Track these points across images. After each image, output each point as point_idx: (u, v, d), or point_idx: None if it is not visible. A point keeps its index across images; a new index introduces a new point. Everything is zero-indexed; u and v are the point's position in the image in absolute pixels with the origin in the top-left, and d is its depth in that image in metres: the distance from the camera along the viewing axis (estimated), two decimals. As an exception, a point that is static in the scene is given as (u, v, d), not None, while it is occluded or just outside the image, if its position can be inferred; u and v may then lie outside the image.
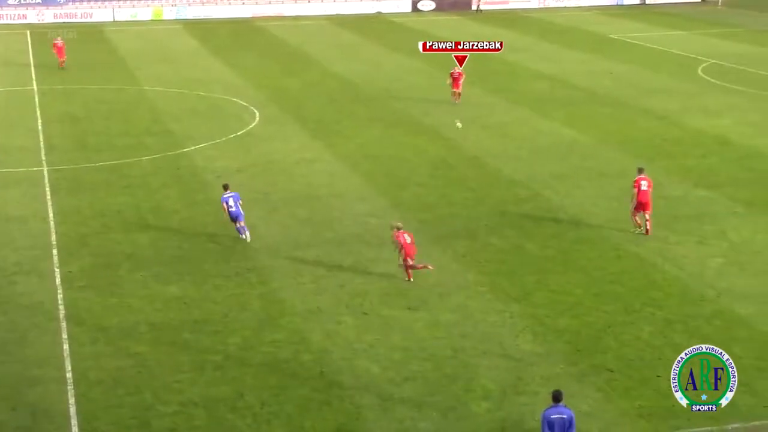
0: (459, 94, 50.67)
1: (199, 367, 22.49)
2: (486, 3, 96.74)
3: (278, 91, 54.88)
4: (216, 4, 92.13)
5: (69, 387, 21.59)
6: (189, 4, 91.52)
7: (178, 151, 41.55)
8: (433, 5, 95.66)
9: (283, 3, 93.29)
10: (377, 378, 22.07)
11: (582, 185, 36.74)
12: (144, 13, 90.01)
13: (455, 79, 50.45)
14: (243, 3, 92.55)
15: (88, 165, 39.47)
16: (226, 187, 31.04)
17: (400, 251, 27.26)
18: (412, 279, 27.34)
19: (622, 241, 30.61)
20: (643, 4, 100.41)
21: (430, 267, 27.69)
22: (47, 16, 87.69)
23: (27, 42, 75.28)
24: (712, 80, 57.92)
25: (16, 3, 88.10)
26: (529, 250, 30.09)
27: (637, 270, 28.36)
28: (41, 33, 79.25)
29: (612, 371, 22.25)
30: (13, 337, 24.06)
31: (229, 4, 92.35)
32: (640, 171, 31.45)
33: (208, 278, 27.74)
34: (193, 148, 42.09)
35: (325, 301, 26.23)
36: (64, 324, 24.78)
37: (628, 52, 69.19)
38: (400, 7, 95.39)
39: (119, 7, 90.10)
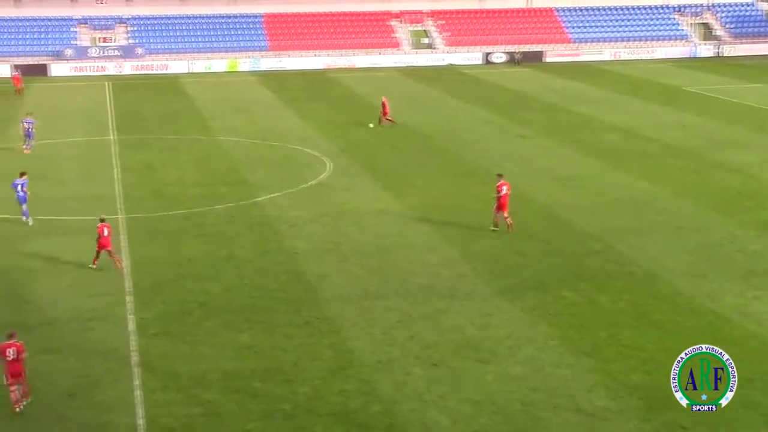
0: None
1: (269, 416, 22.53)
2: (557, 55, 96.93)
3: (350, 142, 55.31)
4: (289, 56, 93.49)
5: (140, 433, 21.81)
6: (263, 56, 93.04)
7: (251, 201, 42.02)
8: (504, 57, 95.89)
9: (355, 55, 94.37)
10: (447, 431, 21.86)
11: (656, 239, 36.26)
12: (219, 65, 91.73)
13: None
14: (315, 55, 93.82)
15: (163, 213, 40.10)
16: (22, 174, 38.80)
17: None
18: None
19: (697, 296, 30.09)
20: (719, 56, 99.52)
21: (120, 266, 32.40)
22: (126, 68, 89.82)
23: (106, 93, 77.08)
24: (789, 133, 57.05)
25: (97, 55, 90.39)
26: (601, 303, 29.72)
27: (712, 325, 27.81)
28: (120, 84, 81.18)
29: (685, 429, 21.73)
30: (86, 383, 24.37)
31: (302, 56, 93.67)
32: (500, 176, 37.16)
33: (278, 327, 27.86)
34: (265, 197, 42.54)
35: (395, 351, 26.15)
36: (136, 370, 25.04)
37: (703, 104, 68.52)
38: (472, 59, 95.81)
39: (195, 59, 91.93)
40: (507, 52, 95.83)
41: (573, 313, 28.87)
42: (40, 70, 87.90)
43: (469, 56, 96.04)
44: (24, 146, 52.77)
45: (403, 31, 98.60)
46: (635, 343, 26.48)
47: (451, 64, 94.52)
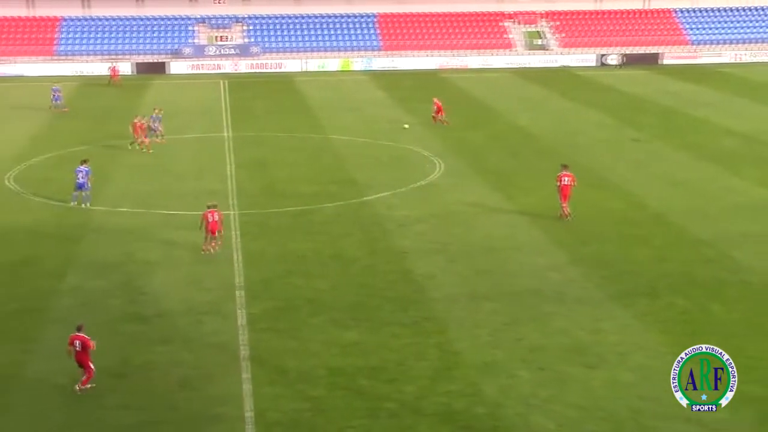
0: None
1: (373, 414, 22.67)
2: (674, 57, 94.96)
3: (461, 143, 55.21)
4: (402, 56, 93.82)
5: (248, 426, 22.14)
6: (376, 56, 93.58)
7: (360, 199, 42.33)
8: (624, 59, 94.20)
9: (467, 55, 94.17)
10: (552, 436, 21.70)
11: (773, 246, 35.28)
12: (332, 64, 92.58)
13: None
14: (428, 55, 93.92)
15: (274, 210, 40.69)
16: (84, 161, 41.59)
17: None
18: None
19: (816, 307, 29.17)
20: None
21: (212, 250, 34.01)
22: (241, 66, 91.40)
23: (221, 90, 78.61)
24: None
25: (213, 54, 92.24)
26: (715, 312, 29.04)
27: (832, 338, 26.93)
28: (236, 82, 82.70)
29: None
30: (198, 374, 24.91)
31: (415, 56, 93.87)
32: (564, 167, 38.79)
33: (385, 326, 28.00)
34: (374, 196, 42.78)
35: (501, 354, 26.03)
36: (245, 364, 25.46)
37: (827, 110, 66.29)
38: (586, 60, 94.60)
39: (309, 58, 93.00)
40: (621, 54, 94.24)
41: (685, 321, 28.28)
42: (159, 67, 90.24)
43: (583, 57, 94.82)
44: (155, 139, 53.78)
45: (516, 32, 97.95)
46: (750, 353, 25.74)
47: (564, 66, 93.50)
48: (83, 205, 40.86)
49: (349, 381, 24.43)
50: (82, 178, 41.14)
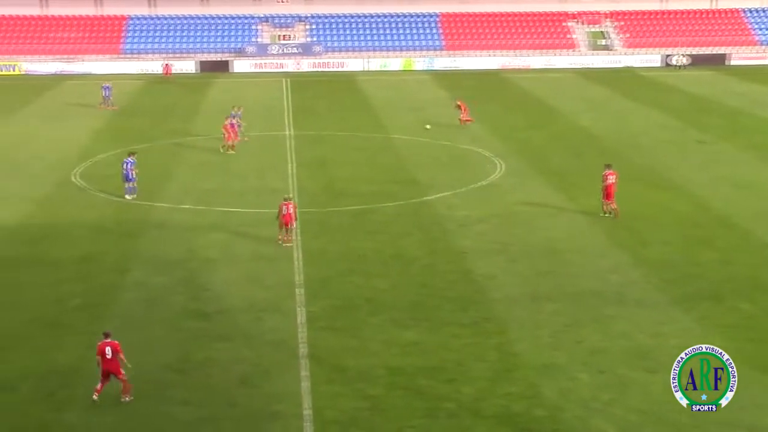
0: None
1: (432, 415, 22.61)
2: (742, 58, 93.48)
3: (522, 143, 54.91)
4: (464, 55, 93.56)
5: (306, 424, 22.22)
6: (437, 56, 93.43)
7: (420, 199, 42.27)
8: (686, 60, 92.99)
9: (530, 55, 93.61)
10: (612, 440, 21.46)
11: (842, 251, 34.54)
12: (394, 64, 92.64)
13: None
14: (490, 55, 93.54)
15: (334, 209, 40.81)
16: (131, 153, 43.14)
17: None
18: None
19: None
20: None
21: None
22: (303, 65, 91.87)
23: (283, 89, 79.07)
24: None
25: (276, 53, 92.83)
26: (781, 317, 28.50)
27: None
28: (298, 81, 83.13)
29: None
30: (257, 371, 25.06)
31: (477, 56, 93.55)
32: (608, 166, 39.41)
33: (444, 326, 27.92)
34: (435, 196, 42.70)
35: (561, 356, 25.82)
36: (304, 362, 25.56)
37: None
38: (650, 61, 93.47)
39: (371, 57, 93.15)
40: (681, 55, 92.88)
41: (749, 327, 27.78)
42: (222, 66, 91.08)
43: (647, 58, 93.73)
44: (240, 140, 54.09)
45: (580, 32, 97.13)
46: (816, 361, 25.30)
47: (628, 66, 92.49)
48: (126, 197, 41.97)
49: (408, 381, 24.40)
50: (127, 169, 42.12)
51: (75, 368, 25.07)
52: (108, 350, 23.26)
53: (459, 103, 61.55)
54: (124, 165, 42.53)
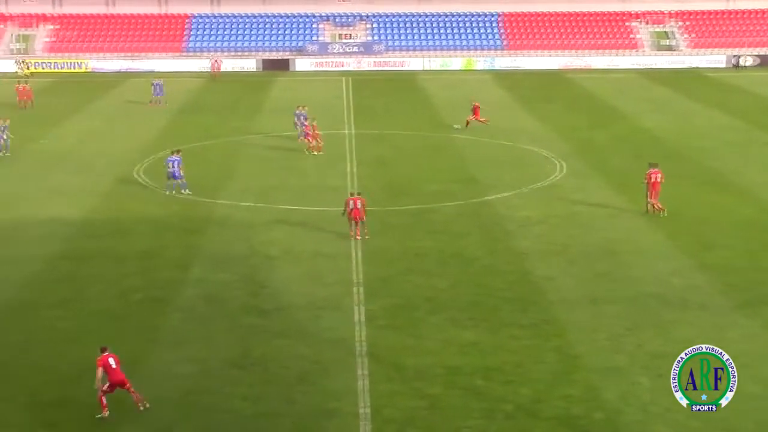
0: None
1: (490, 415, 22.56)
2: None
3: (584, 144, 54.47)
4: (524, 55, 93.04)
5: (363, 422, 22.30)
6: (498, 55, 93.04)
7: (481, 199, 42.15)
8: (753, 61, 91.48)
9: (591, 56, 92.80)
10: (672, 445, 21.22)
11: None
12: (455, 63, 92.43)
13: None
14: (551, 55, 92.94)
15: (394, 208, 40.86)
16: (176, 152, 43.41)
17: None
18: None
19: None
20: None
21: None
22: (364, 64, 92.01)
23: (343, 88, 79.31)
24: None
25: (337, 51, 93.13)
26: None
27: None
28: (358, 80, 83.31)
29: None
30: (316, 369, 25.18)
31: (538, 56, 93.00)
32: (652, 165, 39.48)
33: (503, 327, 27.83)
34: (495, 196, 42.55)
35: (621, 359, 25.60)
36: (362, 360, 25.64)
37: None
38: (716, 62, 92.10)
39: (432, 56, 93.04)
40: (754, 55, 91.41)
41: (816, 333, 27.32)
42: (283, 64, 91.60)
43: (713, 59, 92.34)
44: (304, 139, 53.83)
45: (643, 32, 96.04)
46: None
47: (693, 67, 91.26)
48: (183, 192, 42.43)
49: (465, 381, 24.37)
50: (173, 167, 42.66)
51: (136, 362, 25.36)
52: (112, 361, 22.55)
53: (476, 104, 60.23)
54: (170, 163, 42.93)
